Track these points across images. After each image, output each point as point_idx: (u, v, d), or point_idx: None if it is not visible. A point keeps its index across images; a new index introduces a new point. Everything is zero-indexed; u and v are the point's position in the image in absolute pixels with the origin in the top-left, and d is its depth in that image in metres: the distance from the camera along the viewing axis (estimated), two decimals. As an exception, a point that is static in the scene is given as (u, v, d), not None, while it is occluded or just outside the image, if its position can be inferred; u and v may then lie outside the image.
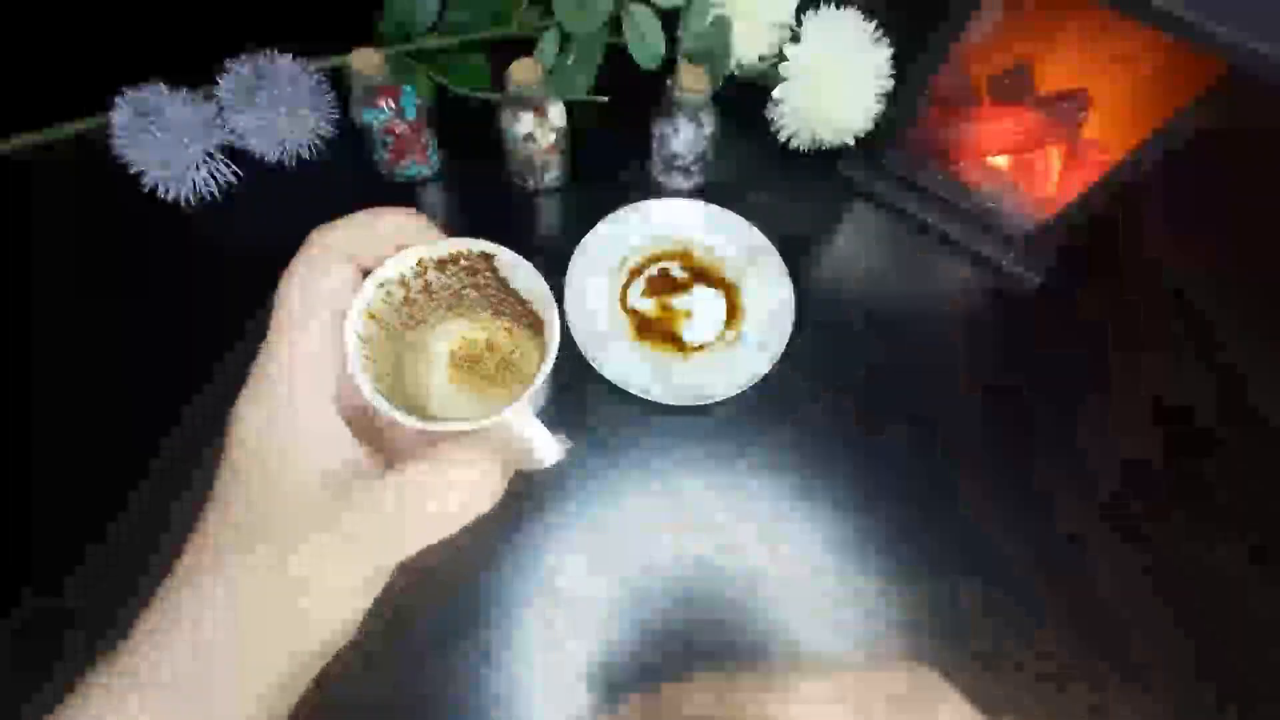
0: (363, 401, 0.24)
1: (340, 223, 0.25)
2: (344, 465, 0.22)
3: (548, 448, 0.25)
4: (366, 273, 0.25)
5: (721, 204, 0.50)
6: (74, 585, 0.38)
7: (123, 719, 0.20)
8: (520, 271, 0.26)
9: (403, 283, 0.26)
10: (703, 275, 0.50)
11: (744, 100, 0.53)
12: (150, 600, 0.21)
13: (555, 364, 0.25)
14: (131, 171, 0.47)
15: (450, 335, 0.29)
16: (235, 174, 0.49)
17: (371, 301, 0.25)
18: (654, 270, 0.49)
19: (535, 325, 0.27)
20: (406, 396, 0.26)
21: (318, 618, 0.21)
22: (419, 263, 0.26)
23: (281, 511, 0.21)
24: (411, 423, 0.23)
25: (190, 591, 0.21)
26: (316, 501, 0.21)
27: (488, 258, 0.26)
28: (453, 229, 0.26)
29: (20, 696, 0.28)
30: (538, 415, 0.25)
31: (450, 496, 0.21)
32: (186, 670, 0.20)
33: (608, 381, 0.43)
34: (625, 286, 0.49)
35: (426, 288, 0.27)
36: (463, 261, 0.26)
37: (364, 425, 0.24)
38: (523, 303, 0.27)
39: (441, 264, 0.26)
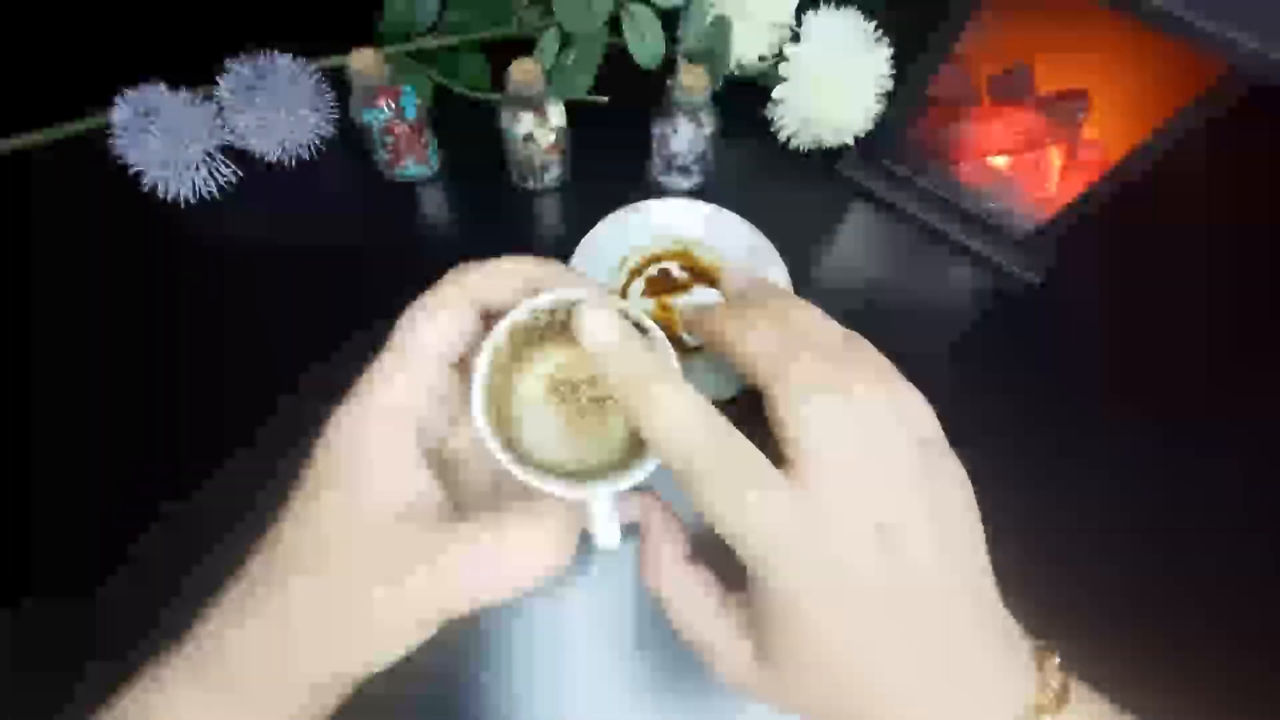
0: (438, 440, 0.24)
1: (478, 265, 0.25)
2: (420, 504, 0.22)
3: (607, 535, 0.25)
4: (490, 318, 0.25)
5: (721, 204, 0.50)
6: (71, 581, 0.38)
7: (175, 709, 0.21)
8: (663, 355, 0.26)
9: (552, 313, 0.26)
10: (703, 275, 0.50)
11: (744, 100, 0.53)
12: (215, 599, 0.22)
13: None
14: (131, 171, 0.47)
15: (560, 358, 0.28)
16: (235, 174, 0.49)
17: (503, 345, 0.25)
18: (654, 270, 0.49)
19: None
20: (499, 405, 0.26)
21: (366, 650, 0.22)
22: (575, 301, 0.25)
23: (353, 542, 0.22)
24: (517, 472, 0.23)
25: (254, 600, 0.22)
26: (389, 540, 0.21)
27: (642, 329, 0.26)
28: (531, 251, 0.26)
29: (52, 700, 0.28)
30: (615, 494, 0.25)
31: (521, 561, 0.22)
32: (238, 672, 0.21)
33: (608, 381, 0.43)
34: (625, 286, 0.49)
35: (569, 318, 0.27)
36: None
37: (438, 463, 0.24)
38: None
39: None
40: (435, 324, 0.24)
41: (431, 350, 0.24)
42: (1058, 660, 0.23)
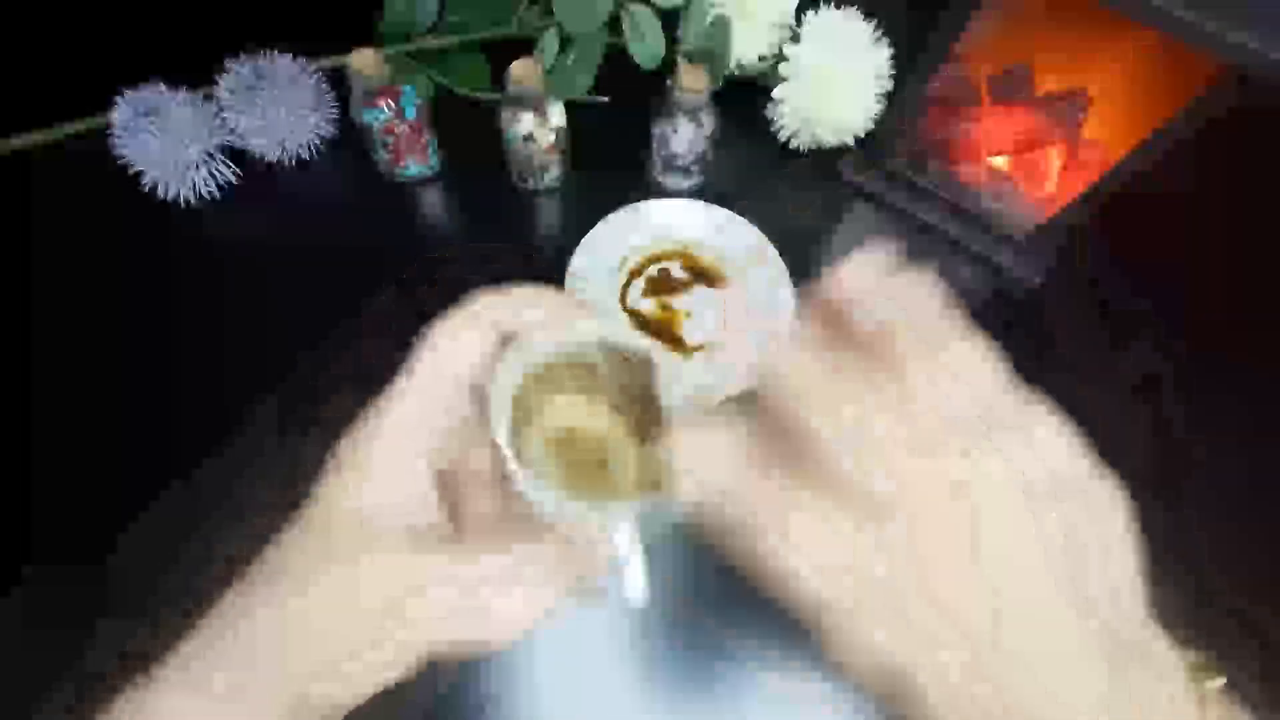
0: (450, 464, 0.24)
1: (503, 292, 0.24)
2: (423, 527, 0.22)
3: (637, 583, 0.23)
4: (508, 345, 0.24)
5: (721, 204, 0.50)
6: (64, 573, 0.38)
7: (168, 713, 0.21)
8: (672, 391, 0.24)
9: (568, 361, 0.25)
10: (703, 275, 0.50)
11: (744, 100, 0.53)
12: (215, 605, 0.22)
13: None
14: (131, 171, 0.47)
15: (566, 415, 0.28)
16: (235, 174, 0.49)
17: (523, 380, 0.24)
18: (654, 270, 0.49)
19: (650, 440, 0.26)
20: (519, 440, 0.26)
21: (352, 678, 0.22)
22: (600, 341, 0.25)
23: (351, 563, 0.21)
24: (535, 495, 0.22)
25: (251, 609, 0.22)
26: (388, 565, 0.21)
27: (649, 365, 0.25)
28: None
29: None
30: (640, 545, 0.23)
31: (513, 605, 0.22)
32: (230, 681, 0.21)
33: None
34: (625, 286, 0.49)
35: (587, 371, 0.26)
36: (628, 357, 0.25)
37: (448, 486, 0.24)
38: (657, 418, 0.25)
39: (613, 355, 0.25)
40: (456, 345, 0.23)
41: (449, 371, 0.23)
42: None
